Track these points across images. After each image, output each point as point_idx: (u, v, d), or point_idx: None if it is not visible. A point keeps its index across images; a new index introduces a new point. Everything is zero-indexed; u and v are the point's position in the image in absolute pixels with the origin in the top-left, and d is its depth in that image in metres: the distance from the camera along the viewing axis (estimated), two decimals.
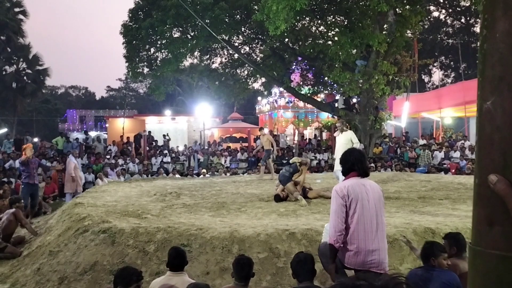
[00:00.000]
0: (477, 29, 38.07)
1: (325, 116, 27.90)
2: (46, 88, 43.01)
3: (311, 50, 18.50)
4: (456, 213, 6.89)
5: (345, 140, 9.11)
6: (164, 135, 22.37)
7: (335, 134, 9.97)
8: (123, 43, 18.73)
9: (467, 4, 30.98)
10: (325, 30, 19.34)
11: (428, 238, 5.37)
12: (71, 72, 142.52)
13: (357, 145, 9.18)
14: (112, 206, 7.92)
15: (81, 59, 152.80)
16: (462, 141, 18.46)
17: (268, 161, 13.26)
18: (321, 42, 18.94)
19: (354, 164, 3.64)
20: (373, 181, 3.75)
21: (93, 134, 29.56)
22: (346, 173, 3.72)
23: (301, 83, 21.89)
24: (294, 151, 19.60)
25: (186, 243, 5.38)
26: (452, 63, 40.16)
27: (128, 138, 20.40)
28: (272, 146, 13.25)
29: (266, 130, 14.08)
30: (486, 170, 0.82)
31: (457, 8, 38.27)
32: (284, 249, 5.22)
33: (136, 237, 5.62)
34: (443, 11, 39.38)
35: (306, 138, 24.90)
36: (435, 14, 38.90)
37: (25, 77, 31.39)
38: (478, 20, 36.46)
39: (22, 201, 8.29)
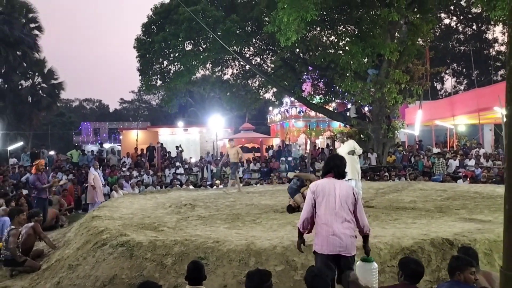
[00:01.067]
0: (489, 35, 37.82)
1: (337, 125, 27.83)
2: (61, 101, 43.65)
3: (322, 60, 18.54)
4: (473, 223, 6.81)
5: (348, 149, 9.13)
6: (177, 147, 22.53)
7: (336, 146, 10.02)
8: (136, 57, 19.02)
9: (479, 11, 30.81)
10: (336, 40, 19.39)
11: (446, 250, 5.33)
12: (85, 85, 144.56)
13: (360, 151, 9.18)
14: (129, 218, 7.99)
15: (95, 73, 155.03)
16: (477, 149, 18.25)
17: (235, 175, 12.97)
18: (332, 51, 18.98)
19: (332, 168, 4.43)
20: (346, 183, 4.49)
21: (107, 146, 29.89)
22: (324, 174, 4.48)
23: (312, 92, 21.91)
24: (306, 160, 19.56)
25: (203, 256, 5.41)
26: (464, 70, 39.84)
27: (142, 150, 20.59)
28: (240, 159, 12.93)
29: (234, 142, 13.31)
30: None
31: (468, 15, 38.06)
32: (301, 262, 5.22)
33: (153, 250, 5.66)
34: (454, 18, 39.21)
35: (318, 148, 24.83)
36: (446, 21, 38.78)
37: (40, 91, 31.93)
38: (490, 26, 36.23)
39: (41, 215, 8.41)
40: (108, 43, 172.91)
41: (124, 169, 17.61)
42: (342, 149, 9.33)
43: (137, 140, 22.61)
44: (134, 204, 9.91)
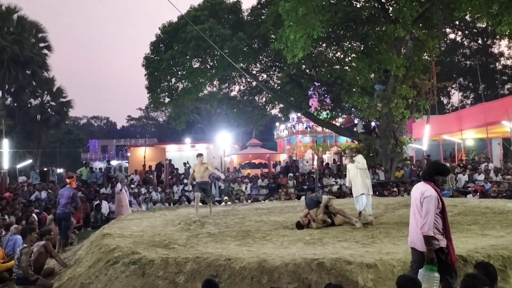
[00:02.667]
0: (495, 49, 37.88)
1: (344, 140, 27.85)
2: (69, 119, 44.13)
3: (329, 76, 18.68)
4: (486, 239, 6.76)
5: (356, 165, 9.20)
6: (184, 163, 22.60)
7: (345, 162, 10.04)
8: (145, 75, 19.29)
9: (484, 26, 30.94)
10: (342, 56, 19.56)
11: (459, 267, 5.28)
12: (93, 103, 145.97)
13: (364, 166, 9.19)
14: (139, 236, 8.01)
15: (102, 90, 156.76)
16: (486, 164, 18.14)
17: (209, 199, 11.21)
18: (338, 67, 19.14)
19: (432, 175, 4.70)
20: (420, 185, 4.73)
21: (114, 163, 30.09)
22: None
23: (319, 108, 22.01)
24: (314, 176, 19.53)
25: (215, 274, 5.41)
26: (471, 84, 39.83)
27: (150, 166, 20.68)
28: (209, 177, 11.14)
29: (203, 157, 11.30)
30: None
31: (474, 30, 38.20)
32: (314, 279, 5.19)
33: (165, 268, 5.67)
34: (460, 33, 39.37)
35: (326, 163, 24.80)
36: (452, 36, 38.95)
37: (49, 109, 32.31)
38: (495, 41, 36.31)
39: (52, 233, 8.45)
40: (115, 61, 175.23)
41: (132, 186, 17.67)
42: (353, 166, 9.36)
43: (144, 157, 22.73)
44: (143, 221, 9.94)
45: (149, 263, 5.81)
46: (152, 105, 20.52)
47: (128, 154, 29.67)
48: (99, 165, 29.01)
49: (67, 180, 10.91)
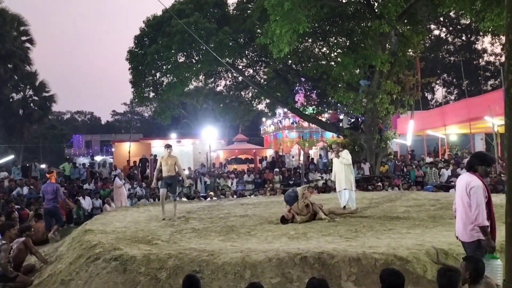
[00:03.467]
0: (479, 46, 38.38)
1: (330, 135, 27.95)
2: (52, 114, 43.52)
3: (315, 71, 18.69)
4: None
5: (341, 160, 9.22)
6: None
7: (330, 156, 10.04)
8: (129, 69, 19.04)
9: (468, 22, 31.31)
10: (328, 51, 19.60)
11: (441, 260, 5.33)
12: (77, 98, 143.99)
13: (348, 162, 9.22)
14: (122, 232, 7.91)
15: (86, 85, 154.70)
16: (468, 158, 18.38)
17: (175, 196, 9.98)
18: (324, 63, 19.17)
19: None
20: (465, 176, 4.77)
21: (99, 158, 29.70)
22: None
23: (305, 103, 22.04)
24: (300, 171, 19.57)
25: (198, 269, 5.36)
26: (454, 80, 40.31)
27: (134, 162, 20.47)
28: (178, 173, 9.81)
29: (172, 149, 9.87)
30: None
31: (458, 26, 38.64)
32: (297, 274, 5.18)
33: (147, 264, 5.60)
34: (444, 29, 39.79)
35: (312, 158, 24.88)
36: (436, 32, 39.33)
37: (31, 104, 31.81)
38: (479, 37, 36.78)
39: (32, 229, 8.30)
40: (100, 55, 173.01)
41: None
42: (336, 160, 9.38)
43: (129, 152, 22.49)
44: (127, 217, 9.82)
45: (130, 259, 5.73)
46: (136, 100, 20.29)
47: (113, 149, 29.35)
48: (83, 160, 28.62)
49: (47, 175, 11.06)
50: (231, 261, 5.42)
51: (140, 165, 20.19)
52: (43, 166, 23.38)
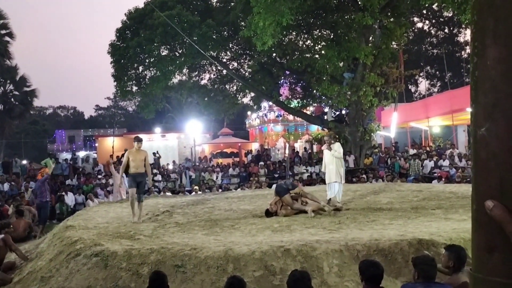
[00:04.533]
0: (461, 38, 38.85)
1: (315, 128, 28.04)
2: (34, 109, 42.72)
3: (299, 64, 18.67)
4: (449, 223, 6.91)
5: (333, 153, 9.22)
6: (154, 153, 22.26)
7: (323, 147, 10.00)
8: (111, 63, 18.76)
9: (450, 15, 31.61)
10: (312, 44, 19.57)
11: (422, 250, 5.37)
12: (59, 92, 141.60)
13: (340, 155, 9.23)
14: (104, 228, 7.81)
15: (69, 79, 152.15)
16: (451, 150, 18.62)
17: (141, 195, 8.64)
18: (309, 56, 19.15)
19: None
20: None
21: (82, 154, 29.33)
22: None
23: (290, 96, 22.03)
24: (285, 164, 19.62)
25: (180, 264, 5.31)
26: (437, 72, 40.77)
27: (117, 157, 20.25)
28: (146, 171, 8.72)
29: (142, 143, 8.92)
30: (483, 197, 0.83)
31: (440, 19, 39.00)
32: (279, 266, 5.17)
33: (129, 259, 5.53)
34: (427, 22, 40.12)
35: (297, 151, 24.94)
36: (419, 25, 39.64)
37: (12, 99, 31.13)
38: (461, 30, 37.21)
39: (11, 226, 8.15)
40: (82, 49, 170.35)
41: (99, 176, 17.28)
42: (329, 152, 9.33)
43: (113, 147, 22.24)
44: (109, 212, 9.69)
45: (112, 254, 5.65)
46: (119, 94, 20.03)
47: (96, 144, 28.99)
48: (66, 156, 28.21)
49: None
50: (214, 255, 5.39)
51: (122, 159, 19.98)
52: (24, 162, 22.99)
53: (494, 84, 0.81)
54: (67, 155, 28.70)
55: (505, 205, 0.80)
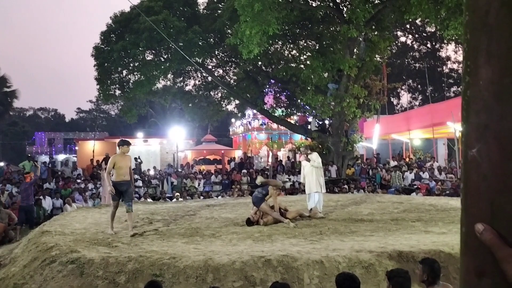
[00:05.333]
0: (443, 53, 39.69)
1: (298, 137, 28.13)
2: (14, 110, 41.87)
3: (284, 73, 18.78)
4: (429, 235, 6.97)
5: (312, 163, 9.26)
6: (135, 158, 21.99)
7: (300, 159, 10.06)
8: (94, 65, 18.53)
9: (433, 30, 32.27)
10: (298, 54, 19.72)
11: (402, 263, 5.39)
12: (40, 94, 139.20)
13: (319, 165, 9.28)
14: (81, 234, 7.63)
15: (50, 81, 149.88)
16: (431, 162, 18.90)
17: (131, 204, 7.81)
18: (294, 65, 19.28)
19: None
20: None
21: (62, 157, 28.79)
22: None
23: (275, 105, 22.09)
24: (267, 173, 19.58)
25: (158, 273, 5.21)
26: (419, 86, 41.50)
27: (98, 161, 19.94)
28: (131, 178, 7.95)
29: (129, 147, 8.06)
30: (473, 219, 0.81)
31: (423, 34, 39.80)
32: (260, 277, 5.12)
33: (106, 267, 5.40)
34: (410, 36, 40.91)
35: (280, 160, 24.97)
36: (403, 39, 40.38)
37: None
38: (443, 45, 38.03)
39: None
40: (65, 51, 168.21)
41: (79, 180, 16.96)
42: (307, 163, 9.37)
43: (93, 151, 21.91)
44: (87, 218, 9.49)
45: (88, 262, 5.52)
46: (102, 97, 19.77)
47: (76, 148, 28.51)
48: (45, 158, 27.65)
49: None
50: (193, 264, 5.30)
51: (103, 163, 19.66)
52: (1, 164, 22.45)
53: (486, 104, 0.80)
54: (46, 158, 28.14)
55: (496, 229, 0.78)
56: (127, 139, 8.62)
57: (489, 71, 0.79)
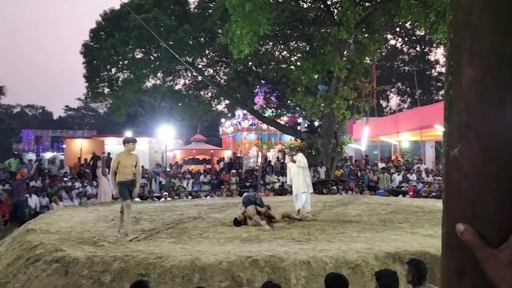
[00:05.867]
0: (432, 57, 40.09)
1: (288, 138, 28.18)
2: (0, 107, 41.30)
3: (274, 74, 18.79)
4: (415, 237, 7.01)
5: (298, 164, 9.33)
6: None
7: (286, 161, 10.11)
8: (83, 63, 18.35)
9: (422, 34, 32.56)
10: (288, 55, 19.76)
11: (389, 264, 5.42)
12: (28, 91, 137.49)
13: (305, 165, 9.32)
14: (67, 232, 7.54)
15: (38, 78, 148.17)
16: (419, 165, 19.05)
17: (128, 209, 7.27)
18: (284, 66, 19.31)
19: None
20: None
21: (49, 155, 28.45)
22: None
23: (265, 106, 22.11)
24: (256, 173, 19.58)
25: (144, 273, 5.16)
26: (408, 89, 41.86)
27: (85, 159, 19.75)
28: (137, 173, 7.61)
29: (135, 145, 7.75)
30: (454, 220, 0.80)
31: (413, 37, 40.15)
32: (246, 277, 5.10)
33: (91, 266, 5.34)
34: (400, 39, 41.23)
35: (269, 160, 24.98)
36: (392, 42, 40.71)
37: None
38: (432, 49, 38.41)
39: None
40: (53, 48, 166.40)
41: (65, 179, 16.77)
42: (292, 164, 9.44)
43: (81, 149, 21.70)
44: (74, 217, 9.39)
45: (73, 261, 5.45)
46: (90, 95, 19.59)
47: (64, 146, 28.19)
48: (31, 156, 27.29)
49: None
50: (180, 264, 5.27)
51: (91, 163, 19.48)
52: None
53: (468, 104, 0.79)
54: (33, 156, 27.78)
55: (477, 230, 0.78)
56: (132, 137, 8.12)
57: (471, 70, 0.79)
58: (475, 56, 0.78)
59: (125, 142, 7.55)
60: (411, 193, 15.62)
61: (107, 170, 15.37)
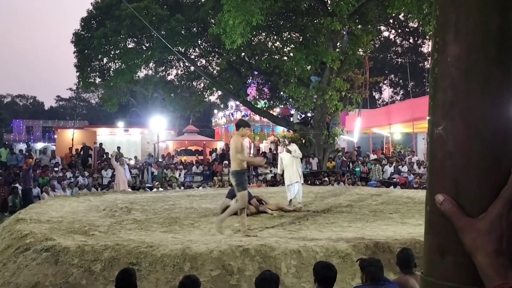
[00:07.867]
0: (425, 49, 40.16)
1: (281, 130, 28.19)
2: None
3: (267, 65, 18.72)
4: (405, 227, 7.08)
5: (292, 154, 9.33)
6: (118, 148, 21.71)
7: (279, 151, 10.12)
8: (74, 52, 18.14)
9: (415, 25, 32.60)
10: (281, 46, 19.68)
11: (378, 253, 5.46)
12: (18, 81, 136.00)
13: (300, 155, 9.35)
14: (58, 222, 7.51)
15: (29, 67, 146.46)
16: (410, 156, 19.17)
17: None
18: (277, 57, 19.23)
19: None
20: None
21: (40, 145, 28.23)
22: None
23: (257, 97, 22.05)
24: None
25: (135, 262, 5.15)
26: (401, 81, 41.97)
27: (77, 150, 19.61)
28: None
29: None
30: None
31: (406, 29, 40.18)
32: (237, 266, 5.12)
33: (81, 255, 5.32)
34: (393, 31, 41.23)
35: (262, 152, 24.99)
36: (385, 34, 40.70)
37: None
38: (425, 40, 38.49)
39: None
40: (44, 37, 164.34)
41: (56, 169, 16.67)
42: (286, 155, 9.42)
43: (73, 139, 21.54)
44: (65, 206, 9.35)
45: (63, 250, 5.42)
46: (81, 85, 19.39)
47: (55, 136, 27.98)
48: (22, 146, 27.06)
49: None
50: (171, 253, 5.26)
51: (82, 153, 19.34)
52: None
53: (453, 81, 0.79)
54: (23, 146, 27.56)
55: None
56: (245, 120, 7.30)
57: (456, 47, 0.78)
58: (460, 33, 0.78)
59: (239, 126, 6.50)
60: (402, 185, 15.74)
61: (124, 159, 15.46)
